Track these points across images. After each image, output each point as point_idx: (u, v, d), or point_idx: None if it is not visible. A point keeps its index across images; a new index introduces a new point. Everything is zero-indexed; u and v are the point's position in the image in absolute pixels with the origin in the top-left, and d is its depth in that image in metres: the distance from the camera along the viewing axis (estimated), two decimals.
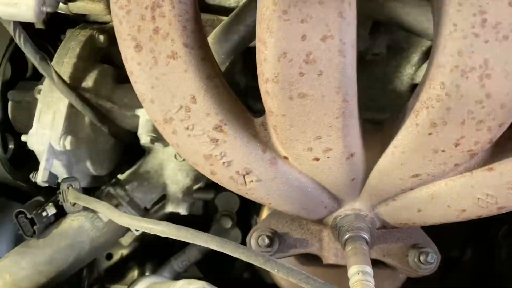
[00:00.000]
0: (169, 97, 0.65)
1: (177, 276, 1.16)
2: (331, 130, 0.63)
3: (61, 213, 0.93)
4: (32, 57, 0.78)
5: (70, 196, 0.82)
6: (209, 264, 1.23)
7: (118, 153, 1.01)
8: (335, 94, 0.59)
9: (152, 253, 1.30)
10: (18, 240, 1.21)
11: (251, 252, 0.61)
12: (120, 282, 1.34)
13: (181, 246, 1.19)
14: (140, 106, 0.92)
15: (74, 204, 0.84)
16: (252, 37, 0.85)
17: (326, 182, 0.72)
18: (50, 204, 0.90)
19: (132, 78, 0.67)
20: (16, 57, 0.94)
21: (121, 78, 0.98)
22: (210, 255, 1.14)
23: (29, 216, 0.86)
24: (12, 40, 0.88)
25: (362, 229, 0.75)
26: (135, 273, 1.33)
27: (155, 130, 0.89)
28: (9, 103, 0.92)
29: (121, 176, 0.96)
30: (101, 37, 0.95)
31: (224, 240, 0.59)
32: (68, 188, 0.83)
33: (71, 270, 0.90)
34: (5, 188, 1.02)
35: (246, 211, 1.17)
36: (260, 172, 0.69)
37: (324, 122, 0.62)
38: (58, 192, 0.85)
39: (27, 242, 0.89)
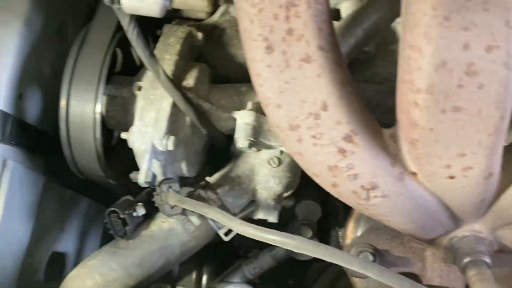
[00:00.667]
0: (298, 103, 0.62)
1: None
2: (479, 147, 0.58)
3: (148, 214, 0.91)
4: (141, 52, 0.76)
5: (172, 199, 0.79)
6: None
7: (206, 155, 0.98)
8: (494, 110, 0.54)
9: (211, 254, 1.27)
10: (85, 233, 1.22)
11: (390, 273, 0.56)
12: (178, 283, 1.31)
13: (246, 250, 1.16)
14: (237, 108, 0.89)
15: (173, 207, 0.81)
16: (368, 41, 0.81)
17: (453, 201, 0.67)
18: (140, 204, 0.87)
19: (258, 81, 0.64)
20: None
21: (214, 78, 0.96)
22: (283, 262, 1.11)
23: (121, 216, 0.83)
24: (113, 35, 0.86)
25: (483, 252, 0.71)
26: (193, 275, 1.30)
27: (253, 134, 0.85)
28: (104, 98, 0.89)
29: (210, 179, 0.93)
30: (199, 35, 0.92)
31: (366, 262, 0.55)
32: (167, 189, 0.80)
33: (159, 274, 0.88)
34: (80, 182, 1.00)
35: (326, 222, 1.12)
36: (386, 187, 0.65)
37: (474, 139, 0.57)
38: (155, 193, 0.82)
39: (116, 242, 0.87)
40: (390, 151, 0.65)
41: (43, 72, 0.96)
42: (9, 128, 0.87)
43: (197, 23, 0.95)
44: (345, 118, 0.61)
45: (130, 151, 0.84)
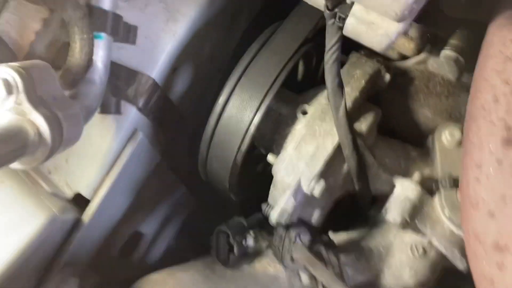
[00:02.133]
0: None
1: None
2: None
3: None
4: (330, 79, 0.64)
5: (299, 253, 0.67)
6: None
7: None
8: None
9: None
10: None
11: None
12: None
13: None
14: (400, 174, 0.75)
15: (294, 260, 0.69)
16: None
17: None
18: (251, 234, 0.76)
19: (474, 173, 0.49)
20: None
21: (379, 127, 0.82)
22: None
23: (231, 241, 0.73)
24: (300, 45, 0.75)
25: None
26: None
27: (411, 213, 0.71)
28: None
29: (335, 238, 0.79)
30: (387, 76, 0.79)
31: None
32: (295, 238, 0.68)
33: None
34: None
35: None
36: None
37: None
38: (276, 233, 0.70)
39: (213, 264, 0.76)
40: None
41: (201, 53, 0.89)
42: (153, 100, 0.80)
43: (386, 61, 0.82)
44: None
45: (264, 174, 0.74)
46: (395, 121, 0.84)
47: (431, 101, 0.83)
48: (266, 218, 0.74)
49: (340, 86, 0.65)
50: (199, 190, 1.09)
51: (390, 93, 0.84)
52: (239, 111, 0.71)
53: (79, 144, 0.81)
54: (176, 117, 0.89)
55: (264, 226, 0.77)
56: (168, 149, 0.94)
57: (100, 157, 0.79)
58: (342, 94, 0.66)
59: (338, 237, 0.80)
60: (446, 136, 0.75)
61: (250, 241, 0.76)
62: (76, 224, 0.78)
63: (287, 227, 0.69)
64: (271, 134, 0.78)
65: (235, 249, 0.73)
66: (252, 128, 0.70)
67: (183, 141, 0.98)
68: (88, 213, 0.79)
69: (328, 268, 0.75)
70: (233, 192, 0.79)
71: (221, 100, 0.72)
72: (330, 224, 0.83)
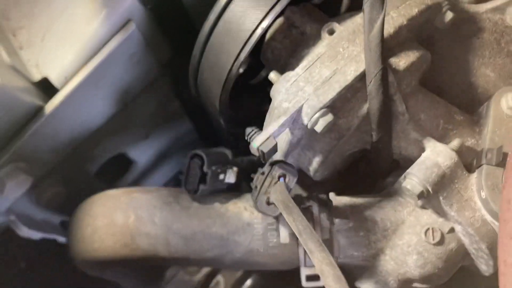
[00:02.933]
0: None
1: None
2: None
3: (236, 186, 0.65)
4: None
5: (276, 193, 0.52)
6: None
7: (345, 165, 0.69)
8: None
9: None
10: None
11: None
12: None
13: None
14: (435, 136, 0.59)
15: (270, 204, 0.54)
16: None
17: None
18: (235, 170, 0.62)
19: None
20: None
21: (424, 81, 0.65)
22: None
23: (204, 169, 0.59)
24: None
25: None
26: None
27: (437, 184, 0.55)
28: (280, 20, 0.64)
29: (334, 199, 0.64)
30: (448, 15, 0.61)
31: None
32: (279, 179, 0.53)
33: (199, 264, 0.63)
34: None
35: None
36: None
37: None
38: (259, 170, 0.56)
39: (179, 193, 0.63)
40: None
41: None
42: None
43: (453, 0, 0.65)
44: None
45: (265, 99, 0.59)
46: (446, 77, 0.67)
47: (498, 61, 0.65)
48: (260, 162, 0.59)
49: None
50: (209, 132, 0.95)
51: (448, 40, 0.66)
52: (244, 10, 0.55)
53: (60, 22, 0.69)
54: (182, 19, 0.74)
55: (255, 171, 0.62)
56: (172, 64, 0.80)
57: (81, 42, 0.66)
58: (383, 5, 0.49)
59: (339, 200, 0.64)
60: (507, 101, 0.58)
61: (230, 177, 0.61)
62: (37, 112, 0.66)
63: (273, 164, 0.54)
64: (287, 56, 0.62)
65: (208, 180, 0.59)
66: (258, 32, 0.55)
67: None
68: (53, 103, 0.66)
69: (316, 231, 0.60)
70: (223, 116, 0.64)
71: None
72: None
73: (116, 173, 0.95)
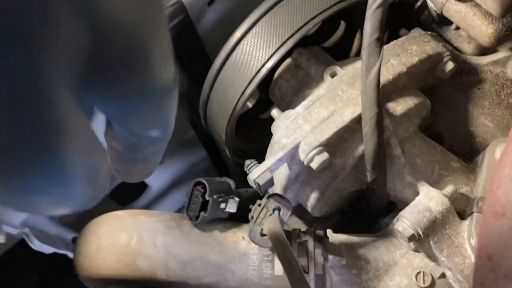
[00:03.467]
0: None
1: None
2: None
3: (235, 216, 0.68)
4: (369, 30, 0.51)
5: (269, 224, 0.54)
6: None
7: (345, 203, 0.71)
8: None
9: None
10: None
11: None
12: None
13: None
14: (429, 181, 0.60)
15: (263, 235, 0.56)
16: None
17: None
18: (235, 200, 0.65)
19: None
20: None
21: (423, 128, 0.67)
22: None
23: (206, 197, 0.62)
24: None
25: None
26: None
27: (428, 229, 0.56)
28: (288, 61, 0.67)
29: (330, 236, 0.66)
30: (449, 66, 0.64)
31: None
32: (273, 211, 0.56)
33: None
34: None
35: None
36: None
37: None
38: (257, 204, 0.58)
39: (181, 220, 0.65)
40: None
41: None
42: (174, 23, 0.70)
43: (455, 51, 0.67)
44: None
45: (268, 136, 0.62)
46: (446, 124, 0.69)
47: (497, 112, 0.67)
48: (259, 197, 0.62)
49: (380, 42, 0.52)
50: (222, 163, 0.99)
51: (448, 90, 0.68)
52: (253, 49, 0.59)
53: None
54: (199, 52, 0.78)
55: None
56: (188, 95, 0.84)
57: None
58: (379, 53, 0.52)
59: (335, 237, 0.66)
60: (501, 151, 0.59)
61: (231, 207, 0.64)
62: None
63: (270, 197, 0.57)
64: (292, 95, 0.66)
65: (209, 208, 0.61)
66: (263, 71, 0.58)
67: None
68: None
69: (309, 265, 0.61)
70: (228, 147, 0.68)
71: (238, 32, 0.60)
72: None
73: (131, 195, 0.99)
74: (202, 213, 0.63)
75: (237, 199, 0.65)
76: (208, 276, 0.64)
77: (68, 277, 0.96)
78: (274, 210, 0.56)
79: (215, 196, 0.62)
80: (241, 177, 0.73)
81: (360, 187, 0.64)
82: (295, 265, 0.50)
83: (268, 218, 0.55)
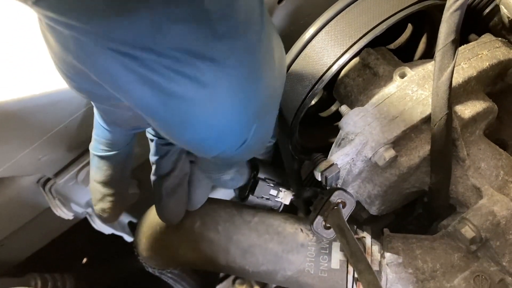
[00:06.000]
0: None
1: None
2: None
3: (290, 208, 0.70)
4: (445, 31, 0.52)
5: (333, 218, 0.56)
6: None
7: (404, 201, 0.72)
8: None
9: None
10: None
11: None
12: None
13: None
14: (494, 186, 0.60)
15: (328, 227, 0.58)
16: None
17: None
18: (290, 191, 0.66)
19: None
20: None
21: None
22: None
23: (261, 176, 0.64)
24: None
25: None
26: None
27: (490, 234, 0.56)
28: (356, 60, 0.69)
29: (388, 234, 0.66)
30: None
31: None
32: (337, 204, 0.57)
33: (253, 276, 0.67)
34: None
35: None
36: None
37: None
38: (321, 196, 0.60)
39: (242, 209, 0.67)
40: None
41: None
42: None
43: None
44: None
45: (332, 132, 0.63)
46: (510, 131, 0.68)
47: None
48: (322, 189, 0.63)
49: (455, 45, 0.53)
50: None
51: None
52: (326, 45, 0.61)
53: None
54: None
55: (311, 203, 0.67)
56: None
57: None
58: (454, 55, 0.53)
59: (392, 236, 0.67)
60: None
61: (284, 197, 0.66)
62: None
63: (334, 190, 0.58)
64: (358, 93, 0.67)
65: (258, 189, 0.63)
66: (334, 69, 0.60)
67: None
68: None
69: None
70: (291, 141, 0.69)
71: (311, 30, 0.62)
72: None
73: None
74: (251, 194, 0.65)
75: (292, 191, 0.67)
76: (266, 263, 0.66)
77: (125, 258, 1.01)
78: (337, 203, 0.57)
79: (266, 179, 0.65)
80: (297, 172, 0.75)
81: (420, 188, 0.65)
82: (361, 256, 0.52)
83: (332, 211, 0.56)
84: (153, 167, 0.57)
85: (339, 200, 0.57)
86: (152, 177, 0.57)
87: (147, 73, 0.33)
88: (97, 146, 0.53)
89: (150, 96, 0.35)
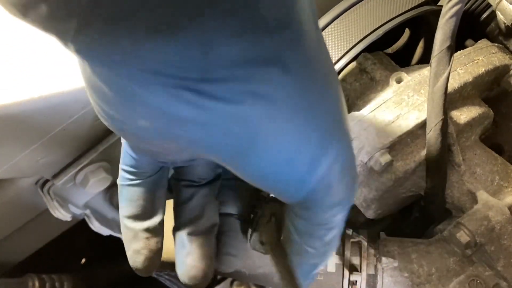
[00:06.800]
0: None
1: None
2: None
3: None
4: (441, 37, 0.52)
5: (267, 234, 0.53)
6: None
7: (399, 206, 0.72)
8: None
9: None
10: None
11: None
12: None
13: None
14: (488, 190, 0.61)
15: (262, 243, 0.56)
16: None
17: None
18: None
19: None
20: None
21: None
22: None
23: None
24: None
25: None
26: None
27: (484, 239, 0.56)
28: (353, 64, 0.69)
29: (385, 238, 0.67)
30: None
31: None
32: (270, 218, 0.54)
33: (251, 279, 0.67)
34: None
35: None
36: None
37: None
38: (255, 211, 0.58)
39: None
40: None
41: None
42: None
43: None
44: None
45: None
46: (507, 137, 0.69)
47: None
48: None
49: (450, 51, 0.53)
50: None
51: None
52: None
53: None
54: None
55: None
56: None
57: None
58: (449, 61, 0.53)
59: (388, 240, 0.67)
60: None
61: None
62: None
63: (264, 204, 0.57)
64: (355, 98, 0.68)
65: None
66: None
67: None
68: None
69: (362, 265, 0.63)
70: None
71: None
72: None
73: None
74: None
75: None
76: (262, 266, 0.66)
77: (113, 265, 1.01)
78: (271, 216, 0.55)
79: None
80: None
81: (416, 192, 0.65)
82: (292, 277, 0.47)
83: (266, 226, 0.54)
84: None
85: (272, 212, 0.55)
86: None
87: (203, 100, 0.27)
88: (125, 175, 0.46)
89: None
